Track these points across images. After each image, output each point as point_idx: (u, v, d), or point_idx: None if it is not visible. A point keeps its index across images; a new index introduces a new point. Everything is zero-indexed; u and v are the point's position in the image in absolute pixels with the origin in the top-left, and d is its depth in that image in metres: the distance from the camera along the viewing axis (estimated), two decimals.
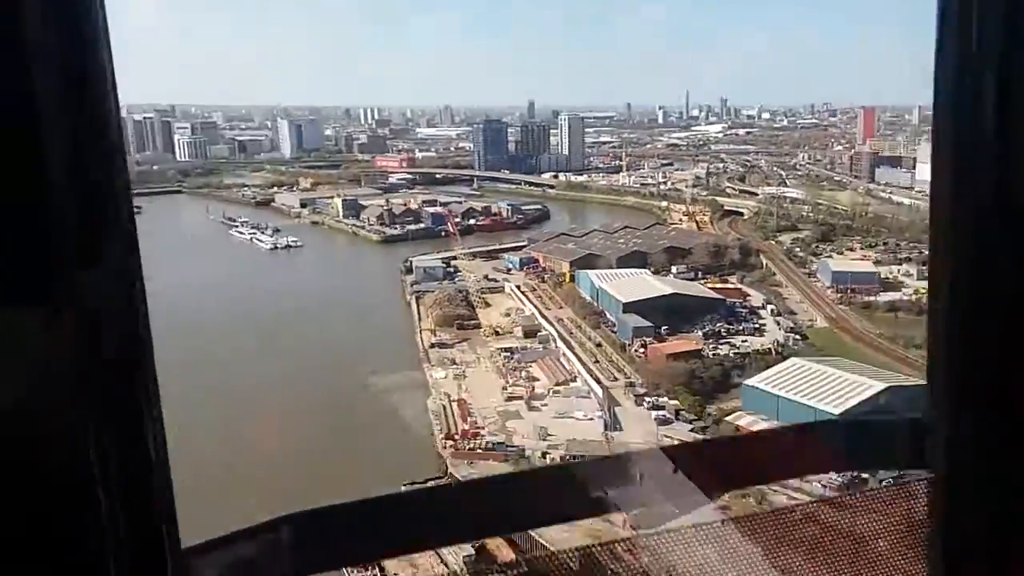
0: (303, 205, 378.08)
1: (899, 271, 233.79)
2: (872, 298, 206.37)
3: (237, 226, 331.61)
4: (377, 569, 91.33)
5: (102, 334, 3.13)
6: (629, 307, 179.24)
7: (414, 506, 5.12)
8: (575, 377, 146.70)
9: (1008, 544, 4.00)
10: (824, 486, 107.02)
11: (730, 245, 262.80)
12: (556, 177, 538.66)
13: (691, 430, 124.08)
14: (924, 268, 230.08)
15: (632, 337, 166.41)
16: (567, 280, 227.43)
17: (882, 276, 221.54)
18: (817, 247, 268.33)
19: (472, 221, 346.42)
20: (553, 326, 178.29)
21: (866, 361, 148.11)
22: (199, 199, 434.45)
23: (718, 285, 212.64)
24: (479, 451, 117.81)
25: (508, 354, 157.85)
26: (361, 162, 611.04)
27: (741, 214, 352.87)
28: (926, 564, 4.88)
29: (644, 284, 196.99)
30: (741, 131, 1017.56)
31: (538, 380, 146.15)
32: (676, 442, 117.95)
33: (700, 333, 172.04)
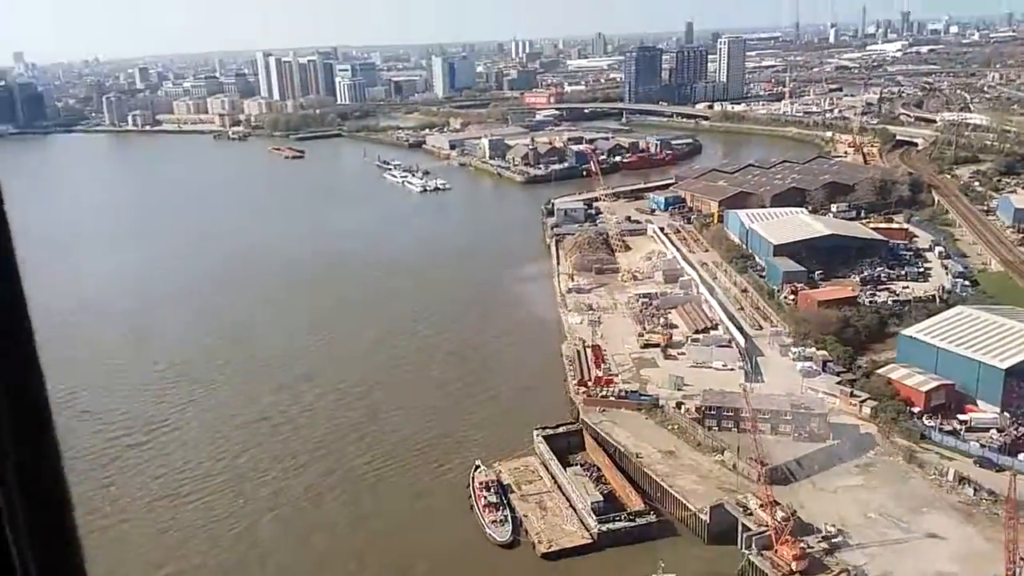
0: (452, 147, 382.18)
1: None
2: None
3: (390, 169, 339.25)
4: (508, 510, 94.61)
5: None
6: (781, 249, 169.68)
7: None
8: (716, 325, 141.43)
9: None
10: (983, 445, 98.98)
11: (899, 180, 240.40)
12: (711, 107, 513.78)
13: (838, 383, 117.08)
14: None
15: (782, 282, 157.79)
16: (715, 220, 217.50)
17: None
18: (999, 181, 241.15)
19: (618, 158, 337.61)
20: (696, 270, 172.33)
21: None
22: (357, 143, 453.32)
23: (882, 225, 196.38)
24: (611, 399, 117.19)
25: (646, 300, 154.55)
26: (509, 99, 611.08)
27: (915, 144, 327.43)
28: None
29: (799, 224, 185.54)
30: (923, 49, 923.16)
31: (676, 327, 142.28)
32: (821, 395, 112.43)
33: (857, 278, 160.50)
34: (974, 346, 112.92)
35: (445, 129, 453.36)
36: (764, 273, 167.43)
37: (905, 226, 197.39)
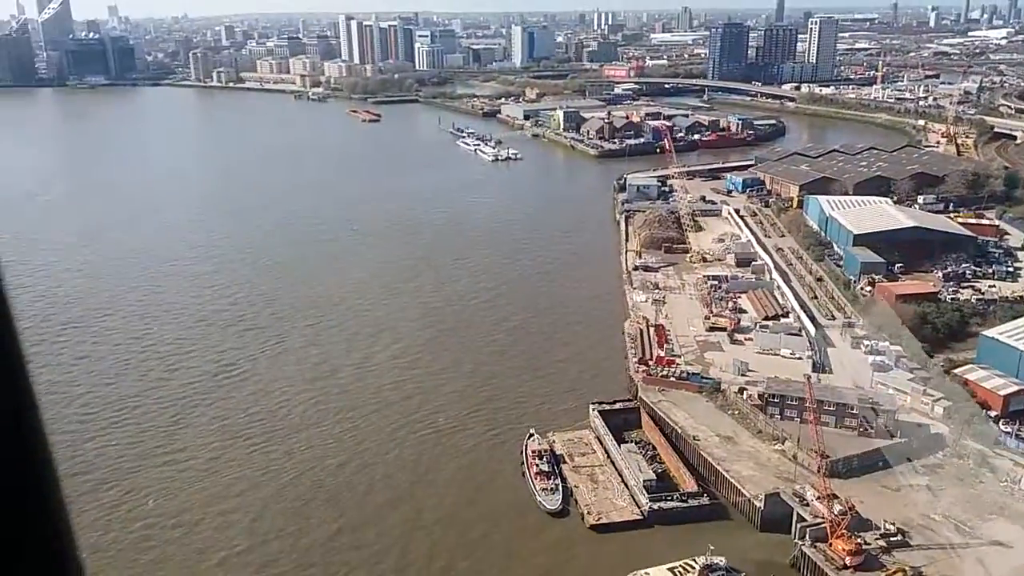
0: (526, 117, 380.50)
1: None
2: None
3: (464, 137, 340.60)
4: (560, 479, 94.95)
5: None
6: (861, 239, 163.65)
7: None
8: (787, 312, 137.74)
9: None
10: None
11: (993, 174, 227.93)
12: (798, 89, 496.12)
13: (911, 380, 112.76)
14: None
15: (860, 273, 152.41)
16: (794, 205, 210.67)
17: None
18: None
19: (697, 136, 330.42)
20: (770, 255, 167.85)
21: None
22: (432, 109, 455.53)
23: (971, 220, 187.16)
24: (672, 379, 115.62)
25: (715, 282, 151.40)
26: (589, 71, 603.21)
27: (1014, 137, 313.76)
28: None
29: (882, 214, 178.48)
30: None
31: (745, 312, 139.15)
32: (891, 391, 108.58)
33: (940, 274, 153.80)
34: None
35: (521, 99, 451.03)
36: (841, 262, 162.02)
37: (996, 222, 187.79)
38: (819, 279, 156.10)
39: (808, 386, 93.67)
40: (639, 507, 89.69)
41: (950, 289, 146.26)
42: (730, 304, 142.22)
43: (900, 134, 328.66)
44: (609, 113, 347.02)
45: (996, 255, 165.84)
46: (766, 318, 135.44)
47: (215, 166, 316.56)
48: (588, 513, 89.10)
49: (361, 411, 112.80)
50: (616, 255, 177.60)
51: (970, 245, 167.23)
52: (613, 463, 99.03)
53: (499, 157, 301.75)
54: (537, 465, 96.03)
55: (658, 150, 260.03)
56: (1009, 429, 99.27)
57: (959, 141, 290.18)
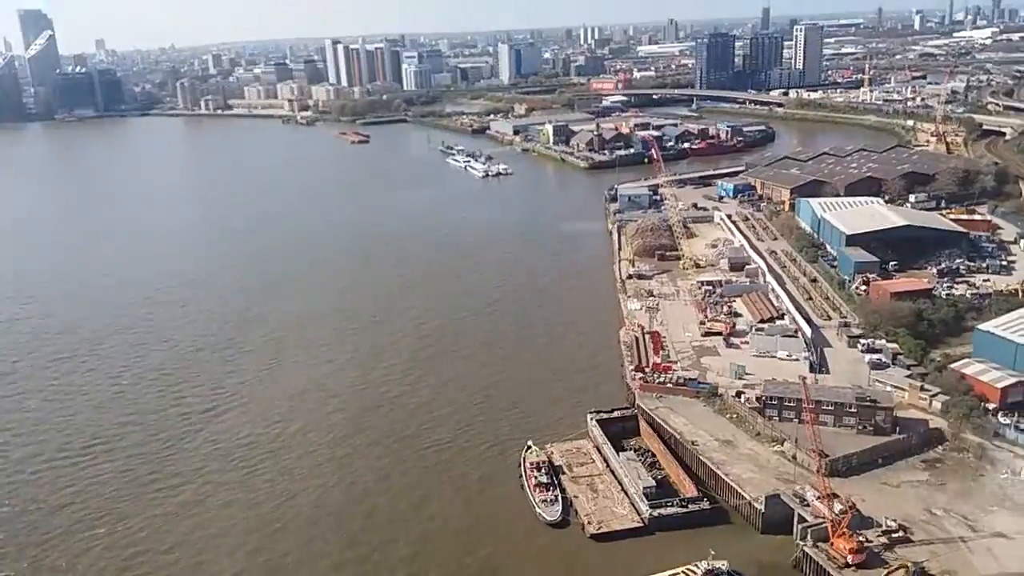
0: (516, 132, 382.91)
1: None
2: None
3: (454, 154, 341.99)
4: (559, 490, 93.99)
5: None
6: (854, 239, 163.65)
7: None
8: (783, 314, 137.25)
9: None
10: None
11: (983, 170, 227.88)
12: (786, 94, 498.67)
13: (908, 376, 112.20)
14: None
15: (854, 273, 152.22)
16: (786, 209, 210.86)
17: None
18: None
19: (686, 145, 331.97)
20: (763, 259, 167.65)
21: None
22: (422, 128, 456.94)
23: (963, 217, 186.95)
24: (669, 385, 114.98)
25: (710, 287, 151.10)
26: (577, 85, 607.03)
27: (1002, 134, 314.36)
28: None
29: (874, 214, 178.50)
30: (1015, 36, 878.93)
31: (740, 316, 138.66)
32: (888, 388, 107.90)
33: (934, 270, 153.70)
34: None
35: (510, 115, 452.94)
36: (835, 263, 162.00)
37: (988, 218, 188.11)
38: (813, 280, 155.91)
39: (804, 387, 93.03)
40: (640, 514, 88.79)
41: (944, 285, 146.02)
42: (725, 309, 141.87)
43: (889, 135, 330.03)
44: (598, 125, 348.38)
45: (989, 250, 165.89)
46: (762, 321, 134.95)
47: (205, 194, 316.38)
48: (588, 523, 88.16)
49: (361, 430, 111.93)
50: (609, 264, 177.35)
51: (962, 241, 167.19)
52: (612, 472, 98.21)
53: (490, 173, 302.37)
54: (536, 477, 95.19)
55: (647, 160, 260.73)
56: (1008, 421, 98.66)
57: (948, 140, 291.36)
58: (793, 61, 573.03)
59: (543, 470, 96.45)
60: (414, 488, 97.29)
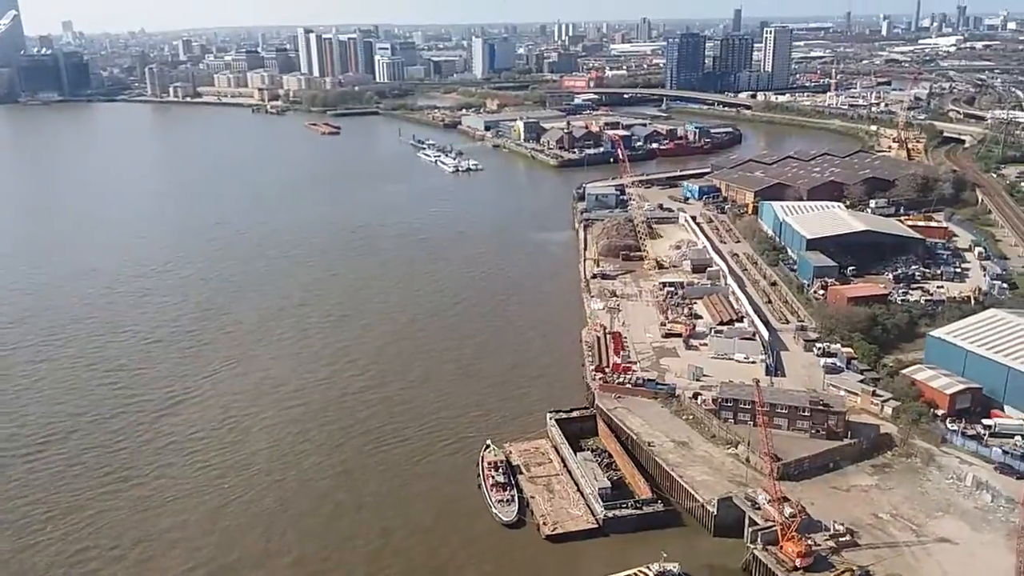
0: (487, 128, 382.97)
1: None
2: None
3: (425, 149, 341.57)
4: (516, 490, 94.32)
5: None
6: (814, 244, 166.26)
7: None
8: (742, 317, 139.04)
9: None
10: (1006, 452, 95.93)
11: (942, 178, 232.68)
12: (754, 97, 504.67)
13: (861, 381, 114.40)
14: None
15: (813, 277, 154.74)
16: (749, 211, 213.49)
17: None
18: None
19: (655, 145, 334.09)
20: (726, 261, 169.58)
21: None
22: (393, 121, 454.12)
23: (920, 223, 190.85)
24: (628, 386, 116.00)
25: (672, 289, 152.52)
26: (549, 82, 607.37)
27: (962, 141, 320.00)
28: None
29: (834, 219, 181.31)
30: (978, 44, 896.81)
31: (701, 318, 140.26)
32: (842, 393, 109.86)
33: (890, 276, 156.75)
34: (1005, 350, 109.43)
35: (481, 110, 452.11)
36: (795, 267, 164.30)
37: (945, 224, 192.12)
38: (773, 283, 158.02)
39: (758, 390, 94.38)
40: (594, 515, 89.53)
41: (900, 291, 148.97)
42: (686, 310, 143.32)
43: (853, 139, 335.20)
44: (569, 123, 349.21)
45: (944, 256, 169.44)
46: (721, 323, 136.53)
47: (171, 183, 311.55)
48: (544, 523, 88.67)
49: (322, 426, 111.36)
50: (575, 264, 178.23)
51: (919, 247, 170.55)
52: (570, 472, 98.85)
53: (460, 168, 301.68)
54: (493, 477, 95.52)
55: (612, 160, 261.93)
56: (955, 427, 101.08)
57: (910, 146, 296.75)
58: (762, 63, 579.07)
59: (500, 470, 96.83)
60: (374, 486, 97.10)
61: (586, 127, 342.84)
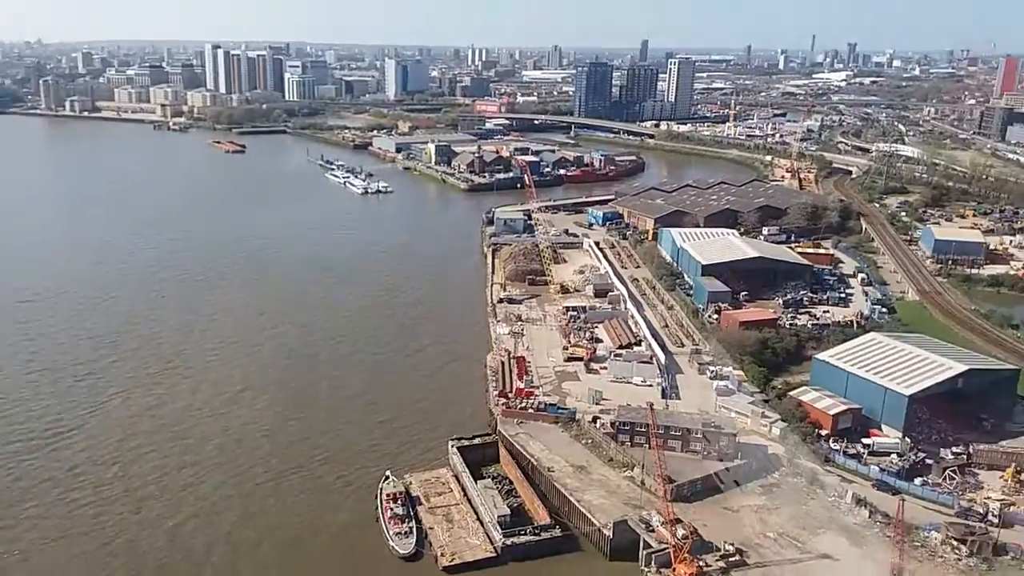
0: (398, 150, 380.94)
1: (1011, 242, 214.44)
2: (975, 271, 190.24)
3: (333, 169, 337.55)
4: (414, 522, 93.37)
5: None
6: (709, 269, 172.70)
7: None
8: (640, 341, 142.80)
9: None
10: (882, 469, 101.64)
11: (830, 207, 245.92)
12: (658, 126, 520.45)
13: (751, 402, 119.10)
14: None
15: (707, 301, 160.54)
16: (649, 237, 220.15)
17: (990, 247, 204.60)
18: (924, 212, 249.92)
19: (563, 171, 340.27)
20: (626, 285, 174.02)
21: (954, 340, 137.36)
22: (302, 140, 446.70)
23: (809, 250, 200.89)
24: (530, 411, 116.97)
25: (574, 313, 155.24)
26: (462, 106, 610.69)
27: (849, 172, 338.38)
28: None
29: (728, 246, 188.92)
30: (866, 80, 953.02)
31: (601, 341, 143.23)
32: (732, 415, 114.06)
33: (780, 301, 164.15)
34: (882, 372, 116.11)
35: (393, 132, 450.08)
36: (691, 292, 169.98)
37: (832, 252, 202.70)
38: (670, 308, 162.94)
39: (651, 413, 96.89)
40: (493, 544, 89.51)
41: (789, 315, 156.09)
42: (587, 334, 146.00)
43: (749, 169, 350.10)
44: (480, 148, 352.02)
45: (830, 282, 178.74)
46: (620, 347, 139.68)
47: (57, 203, 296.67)
48: (442, 555, 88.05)
49: (205, 463, 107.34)
50: (482, 288, 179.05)
51: (807, 273, 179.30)
52: (470, 500, 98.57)
53: (369, 190, 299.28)
54: (392, 509, 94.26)
55: (520, 185, 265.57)
56: (837, 446, 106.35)
57: (801, 176, 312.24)
58: (667, 93, 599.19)
59: (399, 501, 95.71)
60: (269, 519, 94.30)
61: (497, 152, 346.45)
